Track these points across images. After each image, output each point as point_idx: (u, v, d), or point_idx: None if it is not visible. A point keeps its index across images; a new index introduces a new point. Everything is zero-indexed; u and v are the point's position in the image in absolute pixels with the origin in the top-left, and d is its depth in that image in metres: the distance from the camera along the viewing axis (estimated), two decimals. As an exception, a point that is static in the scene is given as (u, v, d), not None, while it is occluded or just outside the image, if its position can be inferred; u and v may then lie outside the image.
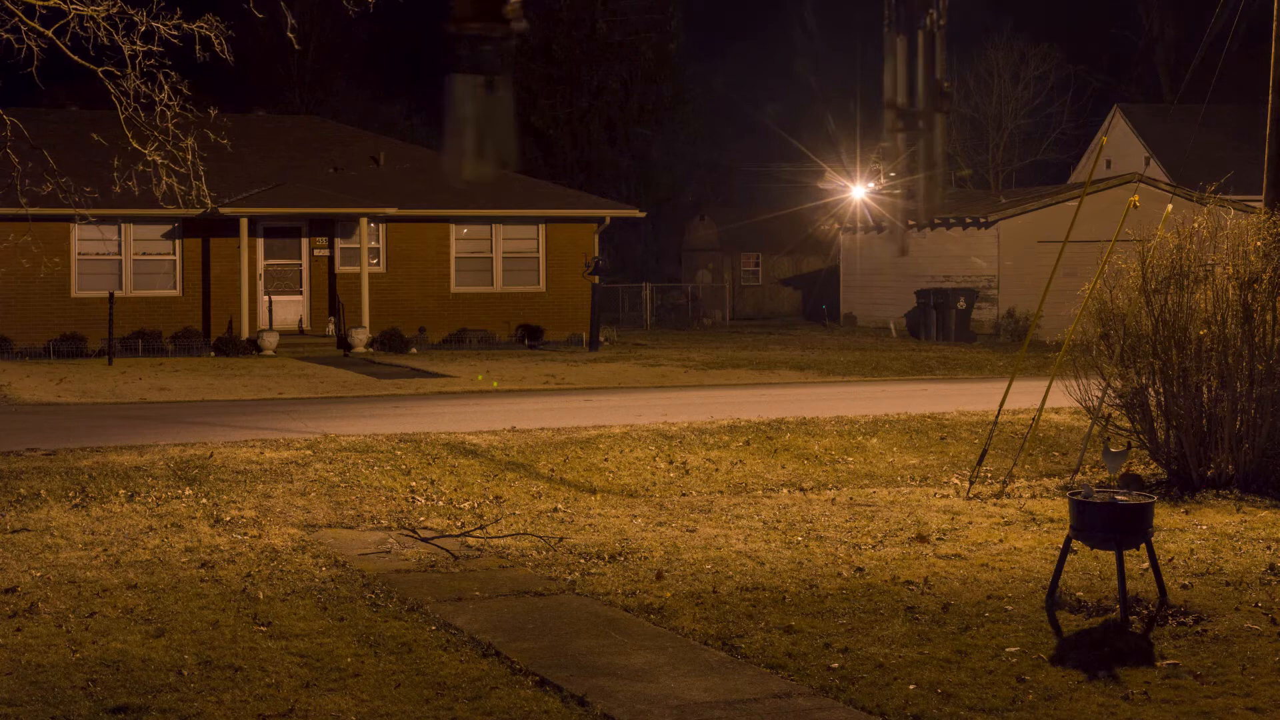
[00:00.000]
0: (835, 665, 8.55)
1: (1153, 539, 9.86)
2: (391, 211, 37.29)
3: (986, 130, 61.02)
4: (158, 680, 8.30)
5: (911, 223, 41.04)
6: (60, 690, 8.10)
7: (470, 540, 11.99)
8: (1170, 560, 11.09)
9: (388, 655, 8.81)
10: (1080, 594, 10.00)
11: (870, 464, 16.46)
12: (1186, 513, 13.28)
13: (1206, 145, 46.77)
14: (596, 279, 38.60)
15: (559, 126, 57.78)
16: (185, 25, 22.92)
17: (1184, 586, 10.25)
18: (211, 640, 9.13)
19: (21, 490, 14.61)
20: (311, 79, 64.09)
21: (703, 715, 7.77)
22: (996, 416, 15.30)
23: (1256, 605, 9.83)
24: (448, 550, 11.76)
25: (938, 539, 12.14)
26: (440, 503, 13.98)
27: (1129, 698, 7.92)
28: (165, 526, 12.85)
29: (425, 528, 12.67)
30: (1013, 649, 8.84)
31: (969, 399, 22.03)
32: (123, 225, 35.35)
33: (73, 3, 18.19)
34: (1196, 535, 12.21)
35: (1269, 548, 11.74)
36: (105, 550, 11.82)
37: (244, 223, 35.98)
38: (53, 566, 11.21)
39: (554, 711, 7.78)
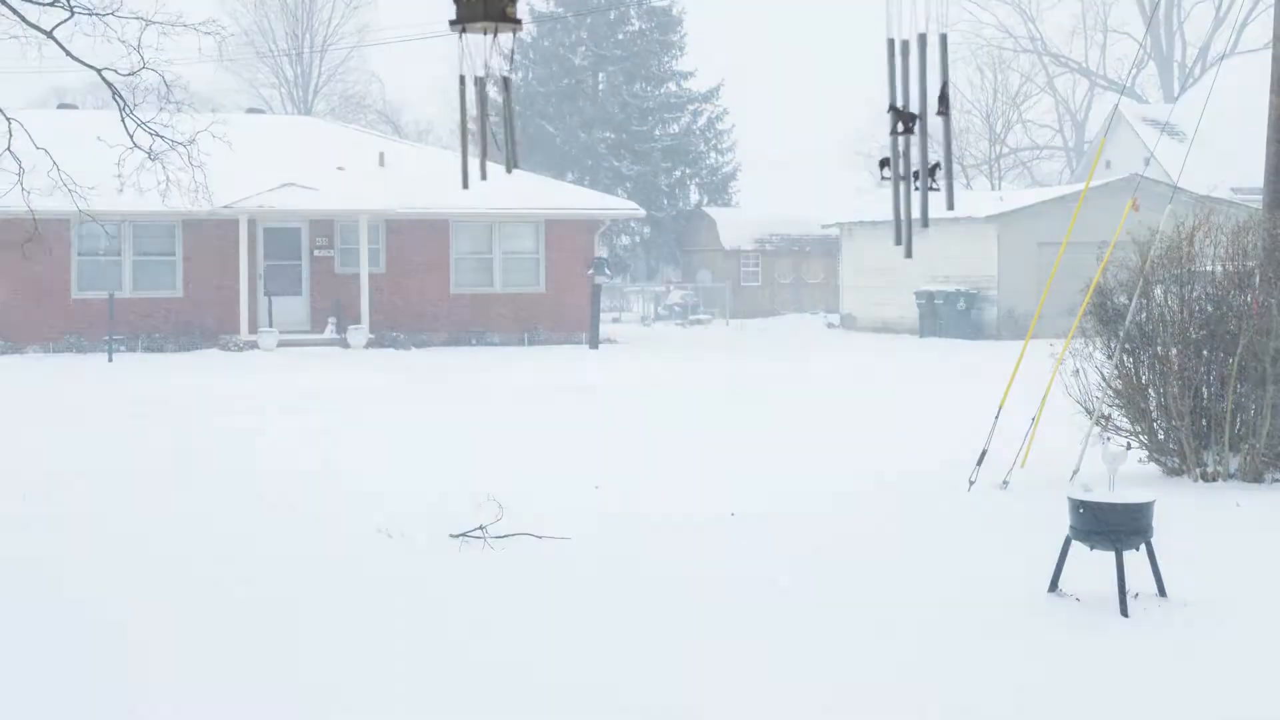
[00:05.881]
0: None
1: (1152, 538, 9.88)
2: (391, 212, 37.33)
3: (988, 129, 61.08)
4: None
5: (912, 223, 41.09)
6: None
7: (471, 537, 12.02)
8: (1169, 559, 11.10)
9: (391, 650, 8.84)
10: (1080, 592, 10.03)
11: (871, 464, 16.48)
12: (1186, 512, 13.29)
13: (1207, 144, 46.79)
14: (598, 279, 38.62)
15: (560, 126, 57.77)
16: (186, 25, 22.96)
17: (1184, 585, 10.27)
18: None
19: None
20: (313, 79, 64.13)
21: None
22: (996, 416, 15.31)
23: (1257, 603, 9.88)
24: (453, 548, 11.79)
25: (938, 537, 12.19)
26: (442, 502, 13.99)
27: (1130, 693, 7.97)
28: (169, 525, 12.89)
29: (428, 527, 12.68)
30: (1014, 646, 8.89)
31: (968, 399, 22.04)
32: (123, 225, 35.37)
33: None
34: (1196, 534, 12.23)
35: (1269, 546, 11.78)
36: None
37: (244, 222, 36.02)
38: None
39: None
